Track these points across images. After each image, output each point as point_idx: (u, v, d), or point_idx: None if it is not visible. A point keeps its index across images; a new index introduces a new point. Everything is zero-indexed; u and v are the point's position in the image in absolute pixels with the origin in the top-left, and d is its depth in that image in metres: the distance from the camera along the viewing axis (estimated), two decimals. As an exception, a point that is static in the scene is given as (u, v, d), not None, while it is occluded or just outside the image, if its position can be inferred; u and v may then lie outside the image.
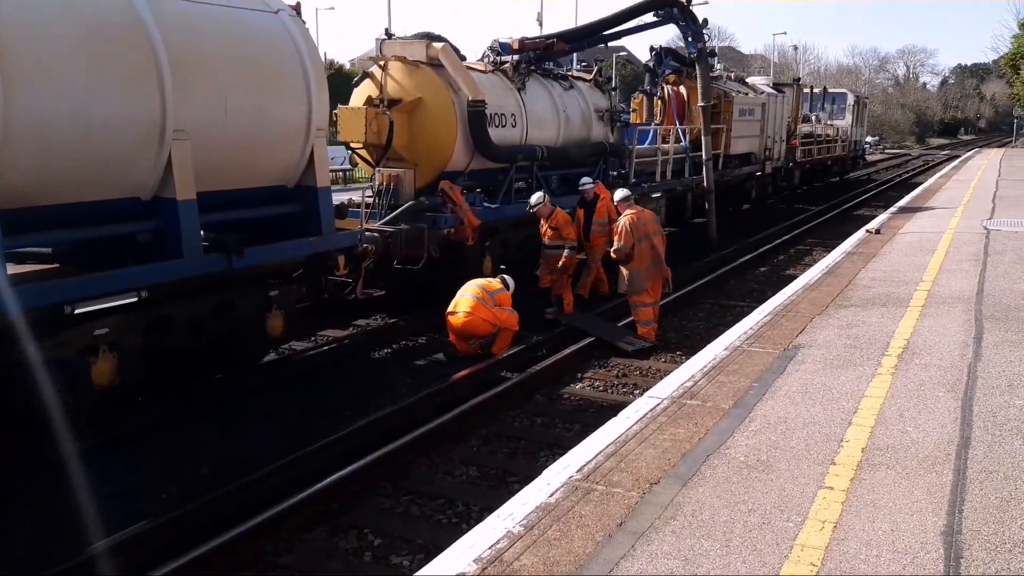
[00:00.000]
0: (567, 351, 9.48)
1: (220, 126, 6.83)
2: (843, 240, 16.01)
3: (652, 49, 18.07)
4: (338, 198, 10.02)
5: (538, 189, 12.29)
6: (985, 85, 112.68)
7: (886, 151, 67.26)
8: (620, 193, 10.40)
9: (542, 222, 10.93)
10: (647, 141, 17.04)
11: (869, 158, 53.34)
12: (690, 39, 15.48)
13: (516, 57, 12.10)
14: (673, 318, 11.88)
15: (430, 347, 10.07)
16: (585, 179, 11.71)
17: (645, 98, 18.46)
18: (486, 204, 10.92)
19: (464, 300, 9.20)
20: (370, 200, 10.29)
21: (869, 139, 70.31)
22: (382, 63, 10.69)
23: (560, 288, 11.06)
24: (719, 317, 12.00)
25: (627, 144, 14.83)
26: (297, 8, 8.03)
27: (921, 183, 30.54)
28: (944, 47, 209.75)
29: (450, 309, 9.23)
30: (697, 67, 15.83)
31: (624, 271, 10.07)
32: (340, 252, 8.09)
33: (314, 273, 8.20)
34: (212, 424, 7.33)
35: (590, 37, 13.88)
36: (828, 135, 29.91)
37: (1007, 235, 15.28)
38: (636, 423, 6.13)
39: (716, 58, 20.62)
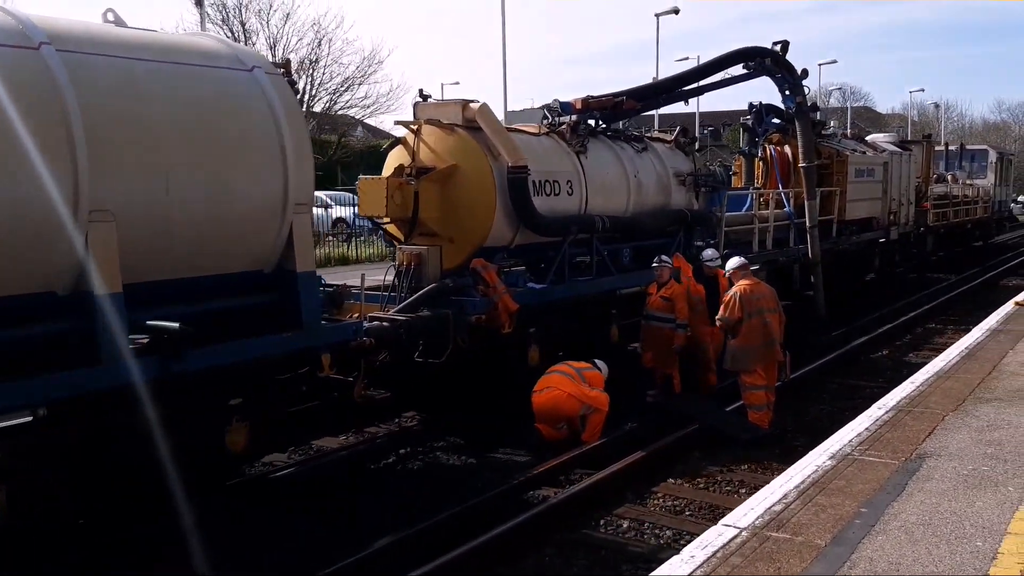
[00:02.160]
0: (665, 441, 8.79)
1: (162, 204, 5.76)
2: (987, 315, 13.61)
3: (751, 106, 16.40)
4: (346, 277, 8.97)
5: (600, 264, 10.81)
6: None
7: (1042, 211, 61.43)
8: (734, 262, 9.69)
9: (652, 288, 10.26)
10: (745, 207, 15.25)
11: (1021, 219, 48.75)
12: (787, 92, 13.74)
13: (575, 117, 10.76)
14: (792, 400, 10.78)
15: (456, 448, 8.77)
16: (708, 252, 10.96)
17: (744, 160, 16.73)
18: (531, 284, 9.48)
19: (549, 377, 8.74)
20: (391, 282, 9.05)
21: (1021, 199, 64.83)
22: (415, 127, 9.59)
23: (668, 367, 10.30)
24: (846, 400, 10.82)
25: (714, 211, 13.13)
26: (285, 65, 7.02)
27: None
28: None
29: (535, 388, 8.72)
30: (797, 123, 14.03)
31: (730, 345, 9.39)
32: (326, 349, 6.81)
33: (299, 375, 6.93)
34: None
35: (667, 93, 12.40)
36: (967, 196, 26.92)
37: None
38: (700, 567, 4.62)
39: (820, 112, 18.46)
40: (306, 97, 34.10)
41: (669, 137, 13.01)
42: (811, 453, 6.90)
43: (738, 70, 13.52)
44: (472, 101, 9.57)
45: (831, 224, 16.93)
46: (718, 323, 9.52)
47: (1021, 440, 6.79)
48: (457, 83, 73.94)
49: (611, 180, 11.24)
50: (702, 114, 49.35)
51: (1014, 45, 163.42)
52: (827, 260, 16.82)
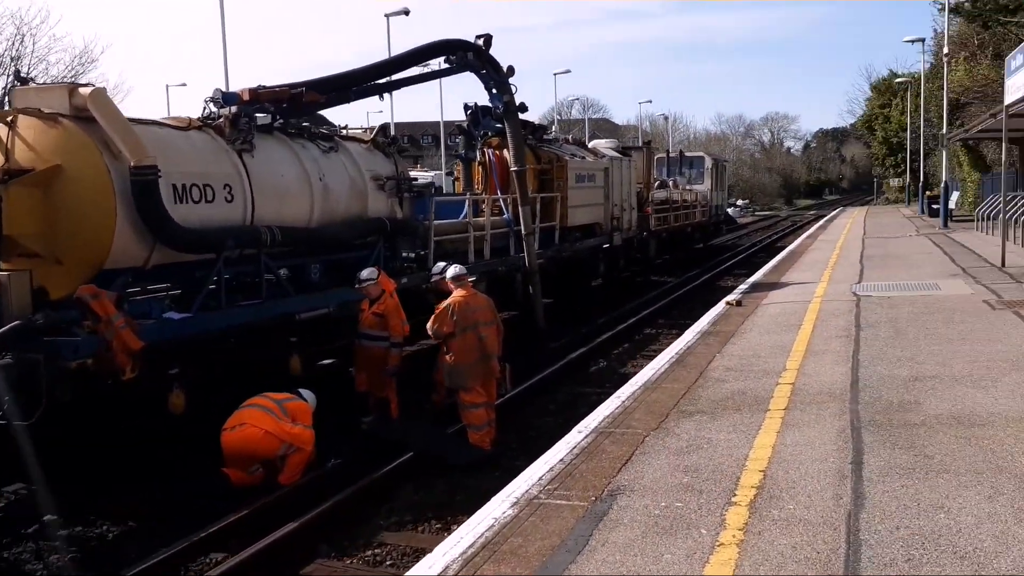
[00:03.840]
0: (373, 476, 7.86)
1: None
2: (702, 316, 13.48)
3: (466, 107, 15.46)
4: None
5: (273, 285, 9.18)
6: (845, 147, 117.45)
7: (756, 214, 67.70)
8: (451, 271, 9.24)
9: (365, 304, 9.41)
10: (461, 215, 14.23)
11: (740, 221, 52.97)
12: (494, 91, 12.83)
13: (235, 109, 9.00)
14: (516, 415, 10.25)
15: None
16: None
17: (463, 165, 15.76)
18: (169, 314, 7.60)
19: (242, 412, 7.65)
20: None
21: (740, 202, 71.05)
22: (9, 119, 7.42)
23: (383, 390, 9.48)
24: (572, 410, 10.00)
25: (421, 219, 11.89)
26: None
27: (788, 245, 29.01)
28: (804, 113, 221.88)
29: (225, 425, 7.62)
30: (506, 125, 13.15)
31: (444, 362, 8.92)
32: None
33: None
34: None
35: (357, 86, 10.97)
36: (687, 201, 28.07)
37: (878, 302, 13.02)
38: None
39: (555, 122, 17.87)
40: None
41: (367, 136, 11.60)
42: (493, 500, 5.75)
43: (443, 65, 12.42)
44: (84, 85, 7.59)
45: (553, 231, 16.41)
46: (429, 333, 8.99)
47: (717, 463, 6.02)
48: (184, 85, 69.05)
49: (288, 184, 9.62)
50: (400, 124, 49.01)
51: (730, 64, 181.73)
52: (551, 267, 16.27)
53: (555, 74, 59.66)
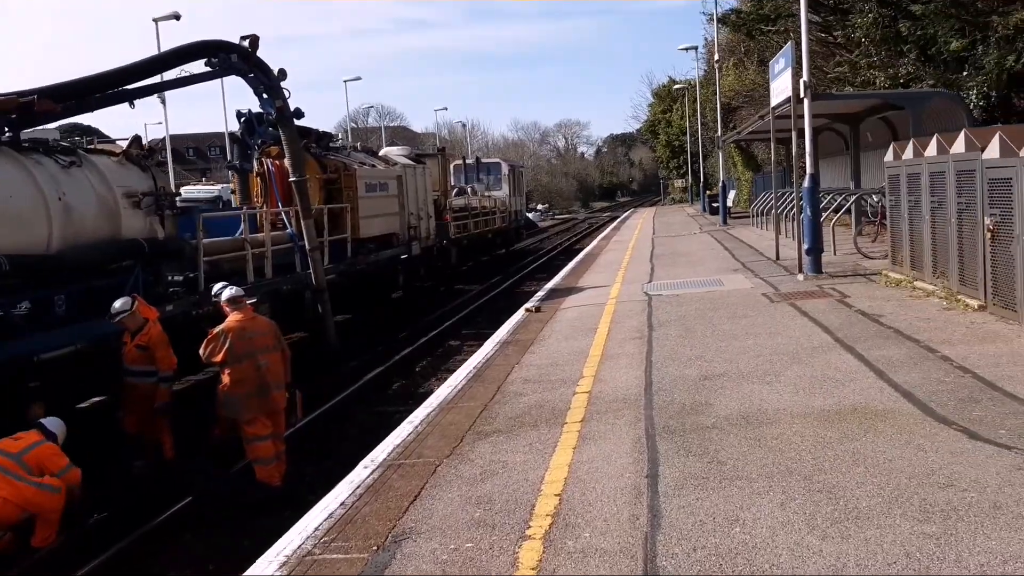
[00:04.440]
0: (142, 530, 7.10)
1: None
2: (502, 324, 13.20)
3: (239, 114, 14.32)
4: None
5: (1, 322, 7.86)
6: (633, 151, 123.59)
7: (555, 217, 69.51)
8: (228, 292, 8.49)
9: (127, 337, 8.55)
10: (239, 231, 13.12)
11: (541, 225, 54.06)
12: (264, 96, 11.87)
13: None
14: (313, 443, 9.76)
15: None
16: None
17: (238, 176, 14.61)
18: None
19: None
20: None
21: (540, 207, 72.72)
22: None
23: (155, 431, 8.68)
24: (374, 433, 8.89)
25: (188, 238, 10.75)
26: None
27: (586, 247, 29.69)
28: (595, 119, 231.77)
29: None
30: (281, 132, 12.23)
31: (220, 391, 8.24)
32: None
33: None
34: None
35: (100, 93, 9.69)
36: (486, 207, 28.01)
37: (668, 301, 13.27)
38: None
39: (344, 132, 16.79)
40: None
41: (118, 148, 10.32)
42: (259, 562, 5.00)
43: (203, 68, 11.32)
44: None
45: (345, 243, 15.60)
46: (202, 360, 8.40)
47: (512, 491, 5.59)
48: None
49: (19, 206, 8.28)
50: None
51: (524, 72, 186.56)
52: (345, 282, 15.47)
53: (345, 81, 58.25)
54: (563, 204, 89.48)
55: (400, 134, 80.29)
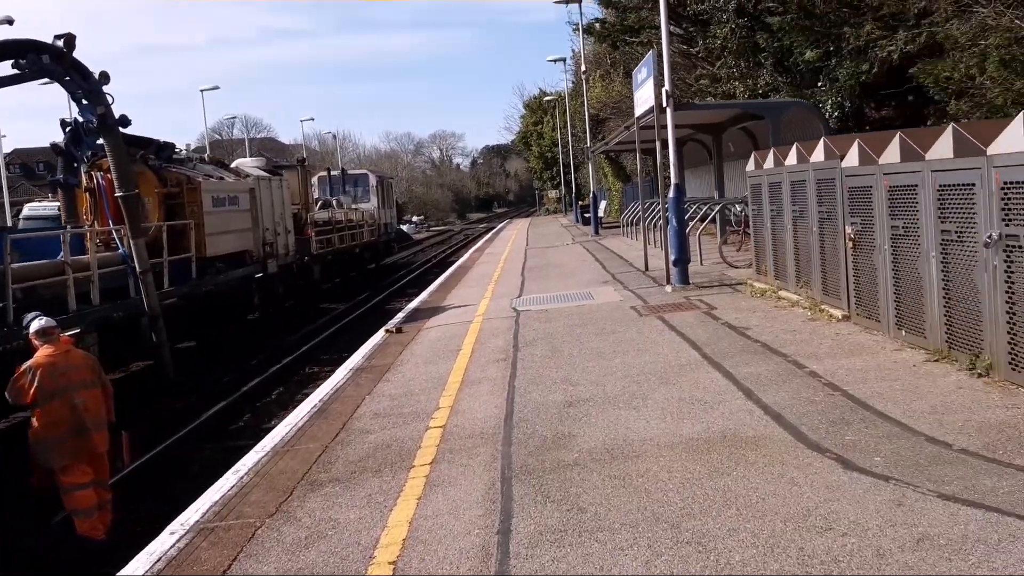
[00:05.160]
0: None
1: None
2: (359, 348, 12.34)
3: (63, 123, 12.88)
4: None
5: None
6: (508, 163, 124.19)
7: (431, 229, 68.70)
8: (37, 324, 7.82)
9: None
10: (60, 253, 11.71)
11: (416, 237, 53.14)
12: (84, 102, 10.60)
13: None
14: (150, 484, 9.00)
15: None
16: None
17: (63, 192, 13.14)
18: None
19: None
20: None
21: (415, 219, 71.69)
22: None
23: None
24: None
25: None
26: None
27: (458, 260, 29.00)
28: (470, 131, 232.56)
29: None
30: (104, 142, 10.96)
31: (30, 435, 7.56)
32: None
33: None
34: None
35: None
36: (352, 220, 26.90)
37: (536, 317, 12.72)
38: None
39: (130, 126, 14.55)
40: None
41: None
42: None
43: (10, 71, 9.97)
44: None
45: (189, 263, 14.33)
46: (9, 400, 7.70)
47: (340, 559, 4.80)
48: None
49: None
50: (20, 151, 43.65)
51: (397, 84, 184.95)
52: (189, 305, 14.21)
53: (202, 91, 55.32)
54: (439, 216, 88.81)
55: (267, 146, 77.59)
